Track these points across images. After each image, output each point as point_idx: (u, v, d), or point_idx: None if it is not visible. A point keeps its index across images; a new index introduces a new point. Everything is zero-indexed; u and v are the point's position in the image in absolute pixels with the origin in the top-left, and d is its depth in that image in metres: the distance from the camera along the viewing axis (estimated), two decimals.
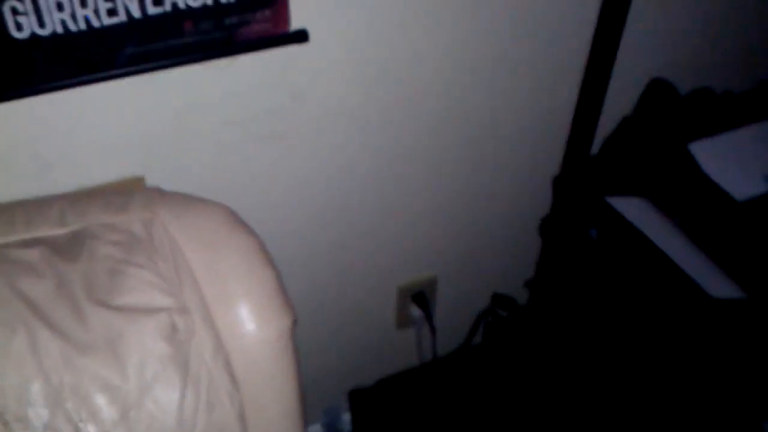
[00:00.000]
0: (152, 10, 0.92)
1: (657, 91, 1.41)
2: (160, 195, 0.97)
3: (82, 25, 0.89)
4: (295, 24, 1.02)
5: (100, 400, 0.78)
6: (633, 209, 1.25)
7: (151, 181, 1.07)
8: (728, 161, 1.31)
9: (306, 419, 0.99)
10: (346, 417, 1.69)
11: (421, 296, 1.57)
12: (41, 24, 0.87)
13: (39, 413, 0.76)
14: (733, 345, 1.14)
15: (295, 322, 0.93)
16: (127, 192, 0.97)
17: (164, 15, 0.93)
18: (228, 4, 0.96)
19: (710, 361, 1.16)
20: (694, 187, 1.28)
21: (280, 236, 1.26)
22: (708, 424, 1.20)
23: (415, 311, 1.58)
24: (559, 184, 1.45)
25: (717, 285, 1.14)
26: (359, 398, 1.52)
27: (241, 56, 1.02)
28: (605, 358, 1.32)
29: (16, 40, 0.86)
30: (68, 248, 0.87)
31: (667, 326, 1.20)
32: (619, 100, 1.42)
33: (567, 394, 1.39)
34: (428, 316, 1.58)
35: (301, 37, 1.04)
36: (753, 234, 1.22)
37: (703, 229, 1.24)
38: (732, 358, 1.14)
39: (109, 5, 0.89)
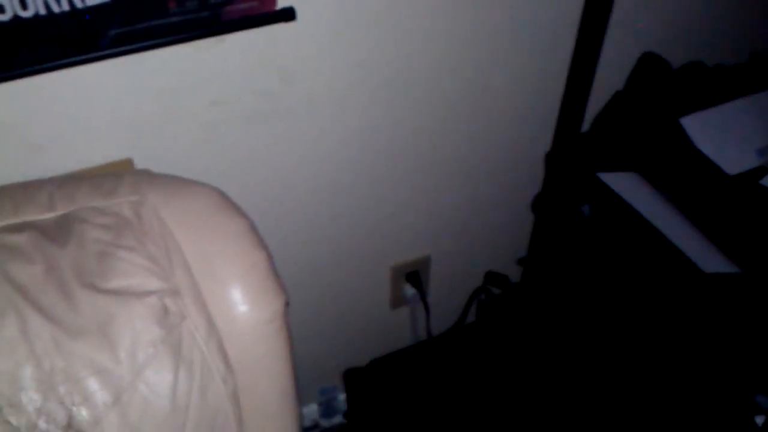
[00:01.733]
0: None
1: (648, 65, 1.40)
2: (149, 177, 0.96)
3: (66, 6, 0.87)
4: (282, 2, 1.01)
5: (93, 384, 0.78)
6: (625, 184, 1.25)
7: (139, 163, 1.06)
8: (720, 135, 1.31)
9: (301, 399, 0.99)
10: (343, 396, 1.70)
11: (414, 275, 1.57)
12: (24, 5, 0.85)
13: (31, 398, 0.75)
14: (726, 320, 1.14)
15: (287, 304, 0.93)
16: (116, 175, 0.96)
17: None
18: None
19: (703, 335, 1.16)
20: (686, 162, 1.28)
21: (271, 218, 1.26)
22: (701, 399, 1.21)
23: (409, 290, 1.58)
24: (551, 160, 1.45)
25: (710, 260, 1.14)
26: (354, 378, 1.52)
27: (227, 36, 1.01)
28: (598, 335, 1.33)
29: None
30: (57, 232, 0.86)
31: (660, 302, 1.20)
32: (611, 74, 1.41)
33: (560, 371, 1.39)
34: (422, 295, 1.58)
35: (288, 15, 1.03)
36: (745, 208, 1.22)
37: (696, 204, 1.23)
38: (725, 332, 1.15)
39: None
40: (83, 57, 0.93)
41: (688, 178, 1.28)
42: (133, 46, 0.95)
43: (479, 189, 1.49)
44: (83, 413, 0.77)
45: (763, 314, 1.11)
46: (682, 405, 1.22)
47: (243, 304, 0.89)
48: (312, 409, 1.71)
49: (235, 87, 1.08)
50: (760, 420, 1.17)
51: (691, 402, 1.21)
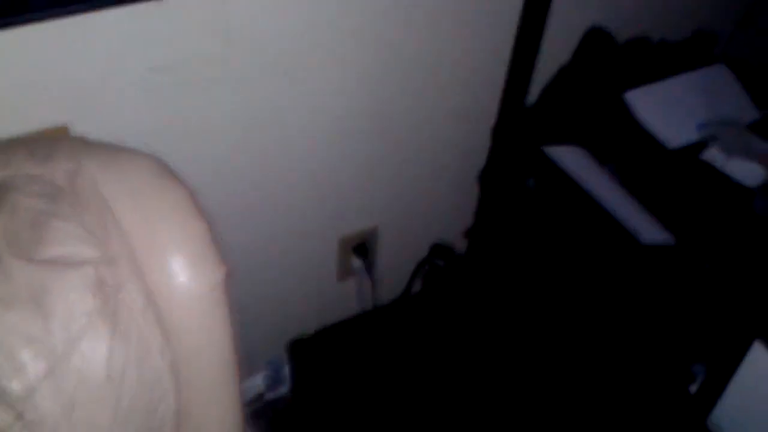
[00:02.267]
0: None
1: (594, 40, 1.41)
2: (85, 145, 0.93)
3: None
4: None
5: (25, 356, 0.76)
6: (568, 158, 1.27)
7: (76, 130, 1.03)
8: (663, 110, 1.33)
9: (246, 371, 0.98)
10: (288, 368, 1.70)
11: (362, 247, 1.57)
12: None
13: None
14: (663, 290, 1.17)
15: (228, 275, 0.92)
16: (51, 141, 0.93)
17: None
18: None
19: (641, 306, 1.19)
20: (629, 136, 1.30)
21: (215, 187, 1.25)
22: (640, 368, 1.24)
23: (357, 262, 1.59)
24: (496, 134, 1.46)
25: (648, 232, 1.16)
26: (299, 348, 1.52)
27: None
28: (540, 305, 1.35)
29: None
30: None
31: (599, 272, 1.22)
32: (558, 49, 1.42)
33: (503, 340, 1.41)
34: (369, 266, 1.58)
35: None
36: (684, 181, 1.25)
37: (637, 177, 1.26)
38: (662, 303, 1.18)
39: None
40: (18, 18, 0.90)
41: (630, 151, 1.30)
42: (69, 8, 0.92)
43: (426, 161, 1.49)
44: (14, 385, 0.75)
45: (699, 284, 1.14)
46: (621, 373, 1.25)
47: (182, 275, 0.87)
48: (257, 381, 1.70)
49: (177, 51, 1.06)
50: (695, 388, 1.21)
51: (631, 370, 1.24)
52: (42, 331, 0.77)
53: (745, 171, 1.23)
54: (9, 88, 0.96)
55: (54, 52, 0.96)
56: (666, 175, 1.26)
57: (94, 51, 0.99)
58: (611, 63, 1.40)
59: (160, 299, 0.86)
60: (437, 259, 1.63)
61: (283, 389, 1.73)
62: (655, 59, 1.44)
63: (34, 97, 0.99)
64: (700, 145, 1.29)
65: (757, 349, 1.07)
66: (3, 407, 0.75)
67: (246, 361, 0.99)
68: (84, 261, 0.81)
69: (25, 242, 0.81)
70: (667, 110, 1.34)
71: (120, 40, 1.00)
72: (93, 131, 1.00)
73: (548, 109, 1.41)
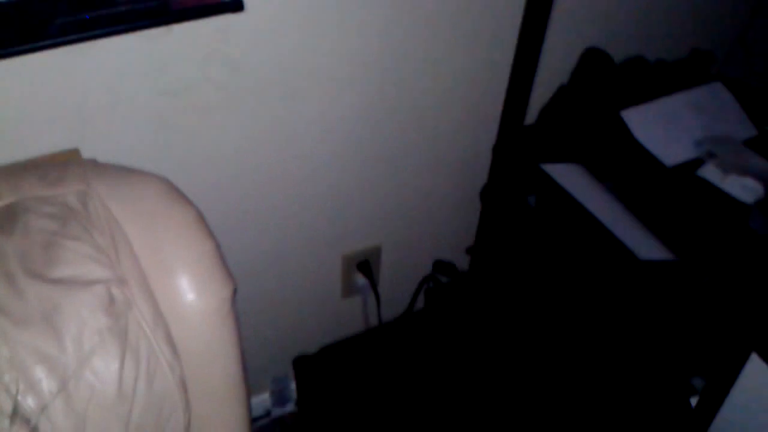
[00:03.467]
0: None
1: (592, 60, 1.44)
2: (95, 167, 0.96)
3: None
4: None
5: (39, 372, 0.78)
6: (567, 175, 1.28)
7: (86, 153, 1.06)
8: (659, 128, 1.35)
9: (252, 389, 1.00)
10: (294, 385, 1.72)
11: (365, 265, 1.59)
12: None
13: None
14: (661, 305, 1.18)
15: (235, 292, 0.94)
16: (62, 164, 0.96)
17: None
18: None
19: (640, 321, 1.20)
20: (627, 153, 1.32)
21: (221, 207, 1.27)
22: (640, 382, 1.25)
23: (360, 280, 1.60)
24: (497, 152, 1.48)
25: (646, 248, 1.18)
26: (303, 365, 1.54)
27: (176, 25, 1.02)
28: (541, 321, 1.36)
29: None
30: (2, 222, 0.86)
31: (599, 288, 1.24)
32: (557, 69, 1.44)
33: (504, 356, 1.43)
34: (373, 284, 1.60)
35: (237, 6, 1.03)
36: (681, 198, 1.26)
37: (635, 194, 1.27)
38: (661, 318, 1.19)
39: None
40: (30, 46, 0.92)
41: (628, 169, 1.32)
42: (81, 35, 0.95)
43: (428, 179, 1.51)
44: (29, 401, 0.77)
45: (697, 299, 1.15)
46: (622, 388, 1.26)
47: (190, 293, 0.90)
48: (264, 398, 1.72)
49: (184, 77, 1.08)
50: (695, 401, 1.22)
51: (630, 385, 1.26)
52: (55, 348, 0.79)
53: (741, 187, 1.25)
54: (23, 112, 0.99)
55: (66, 77, 0.99)
56: (664, 191, 1.27)
57: (105, 76, 1.02)
58: (609, 82, 1.42)
59: (169, 317, 0.89)
60: (440, 275, 1.65)
61: (290, 406, 1.74)
62: (652, 78, 1.47)
63: (46, 121, 1.02)
64: (698, 162, 1.31)
65: (754, 361, 1.08)
66: (18, 423, 0.77)
67: (252, 377, 1.01)
68: (95, 280, 0.83)
69: (38, 262, 0.83)
70: (665, 128, 1.35)
71: (130, 66, 1.03)
72: (103, 154, 1.03)
73: (548, 127, 1.43)
